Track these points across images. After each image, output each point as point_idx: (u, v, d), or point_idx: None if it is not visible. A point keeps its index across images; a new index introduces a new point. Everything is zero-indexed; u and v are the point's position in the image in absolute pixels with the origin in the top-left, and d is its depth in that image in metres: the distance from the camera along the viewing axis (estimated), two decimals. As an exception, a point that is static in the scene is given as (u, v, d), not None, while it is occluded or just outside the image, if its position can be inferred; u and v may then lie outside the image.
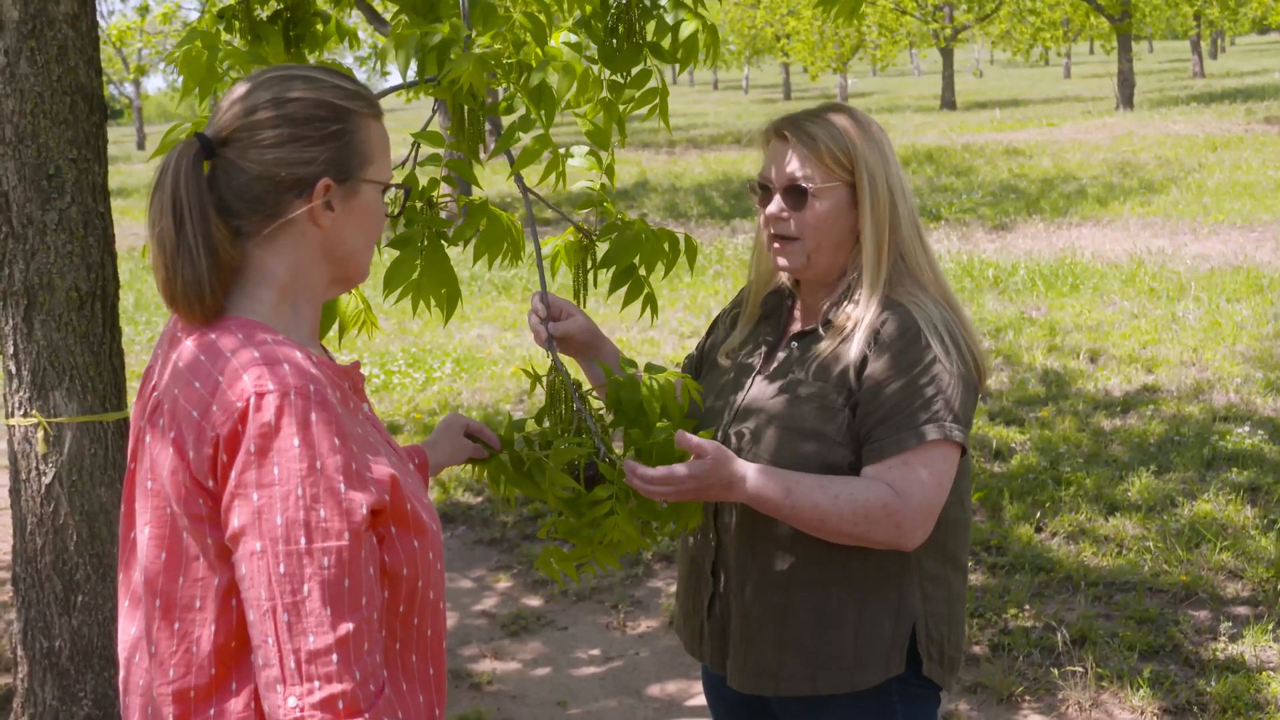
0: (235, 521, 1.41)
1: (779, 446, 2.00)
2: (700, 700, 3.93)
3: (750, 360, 2.14)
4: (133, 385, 5.10)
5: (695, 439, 1.86)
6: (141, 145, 41.29)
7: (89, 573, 3.41)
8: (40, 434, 3.35)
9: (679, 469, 1.85)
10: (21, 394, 3.36)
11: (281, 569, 1.38)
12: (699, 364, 2.33)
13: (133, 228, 16.58)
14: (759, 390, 2.08)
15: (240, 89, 1.54)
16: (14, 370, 3.36)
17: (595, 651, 4.36)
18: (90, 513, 3.39)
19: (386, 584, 1.51)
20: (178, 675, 1.47)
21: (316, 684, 1.37)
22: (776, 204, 2.05)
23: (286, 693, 1.37)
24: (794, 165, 2.03)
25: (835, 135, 2.02)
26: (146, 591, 1.50)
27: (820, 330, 2.06)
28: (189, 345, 1.50)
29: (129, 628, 1.57)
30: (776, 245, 2.07)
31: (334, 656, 1.38)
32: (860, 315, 2.01)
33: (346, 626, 1.39)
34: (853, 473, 1.97)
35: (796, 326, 2.14)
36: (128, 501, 1.58)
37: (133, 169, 28.77)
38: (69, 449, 3.36)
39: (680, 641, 2.33)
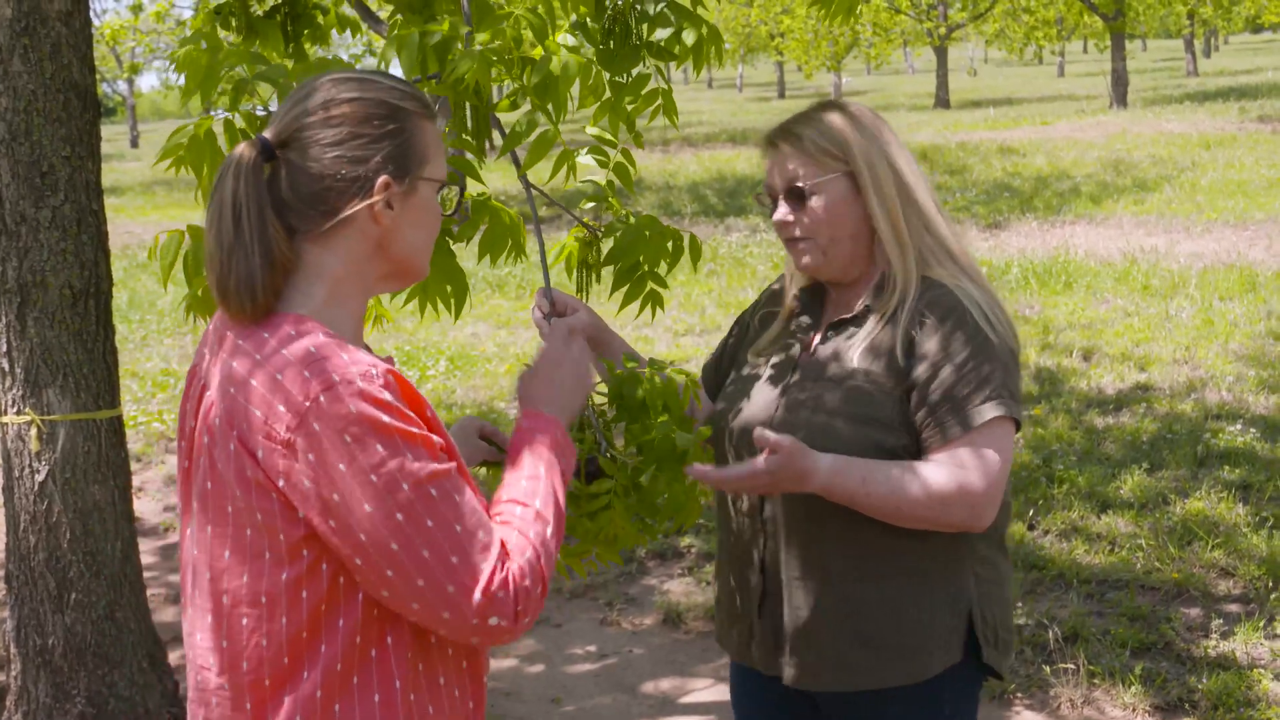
0: (330, 522, 1.44)
1: (824, 435, 1.97)
2: (695, 698, 3.93)
3: (789, 353, 2.13)
4: (126, 383, 5.09)
5: (772, 435, 1.83)
6: (135, 143, 41.05)
7: (82, 570, 3.41)
8: (33, 432, 3.34)
9: (757, 464, 1.84)
10: (15, 391, 3.36)
11: (394, 546, 1.44)
12: (720, 363, 2.32)
13: (126, 226, 16.58)
14: (799, 381, 2.07)
15: (299, 92, 1.59)
16: (7, 368, 3.36)
17: (590, 648, 4.36)
18: (83, 510, 3.39)
19: None
20: (251, 667, 1.51)
21: (499, 594, 1.47)
22: (782, 209, 2.07)
23: (487, 616, 1.47)
24: (788, 168, 2.05)
25: (821, 130, 2.04)
26: (212, 590, 1.54)
27: (861, 317, 2.05)
28: (242, 344, 1.52)
29: (200, 627, 1.59)
30: (792, 247, 2.09)
31: (489, 570, 1.48)
32: (900, 299, 2.00)
33: (482, 536, 1.50)
34: (908, 456, 1.95)
35: (834, 316, 2.12)
36: (184, 499, 1.62)
37: (126, 167, 28.72)
38: (62, 447, 3.36)
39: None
